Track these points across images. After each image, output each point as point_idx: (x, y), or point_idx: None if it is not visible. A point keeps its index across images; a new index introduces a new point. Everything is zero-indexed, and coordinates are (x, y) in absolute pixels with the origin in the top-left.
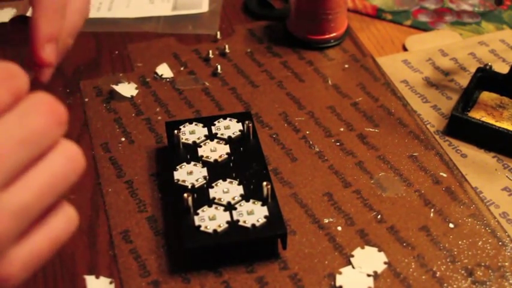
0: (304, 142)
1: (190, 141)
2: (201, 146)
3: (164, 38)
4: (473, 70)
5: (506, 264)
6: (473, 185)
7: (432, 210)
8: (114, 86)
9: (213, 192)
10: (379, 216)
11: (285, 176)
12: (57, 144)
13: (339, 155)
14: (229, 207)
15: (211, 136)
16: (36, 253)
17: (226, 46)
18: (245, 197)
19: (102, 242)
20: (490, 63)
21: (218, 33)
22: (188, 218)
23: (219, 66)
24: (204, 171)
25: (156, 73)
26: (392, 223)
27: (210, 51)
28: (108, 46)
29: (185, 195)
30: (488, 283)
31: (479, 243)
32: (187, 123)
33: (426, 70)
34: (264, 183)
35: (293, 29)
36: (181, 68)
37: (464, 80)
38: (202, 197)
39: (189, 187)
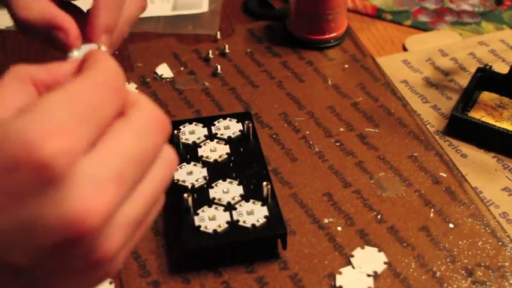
0: (304, 142)
1: (190, 141)
2: (201, 146)
3: (164, 38)
4: (473, 70)
5: (506, 264)
6: (473, 185)
7: (432, 210)
8: None
9: (213, 193)
10: (379, 216)
11: (285, 176)
12: (160, 153)
13: (339, 155)
14: (229, 207)
15: (211, 136)
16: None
17: (226, 46)
18: (245, 197)
19: None
20: (490, 63)
21: (218, 33)
22: (188, 218)
23: (219, 66)
24: (204, 172)
25: (156, 73)
26: (392, 223)
27: (210, 51)
28: None
29: (185, 195)
30: (488, 283)
31: (479, 243)
32: (187, 123)
33: (426, 70)
34: (264, 183)
35: (293, 29)
36: (181, 68)
37: (464, 80)
38: (202, 197)
39: (189, 187)
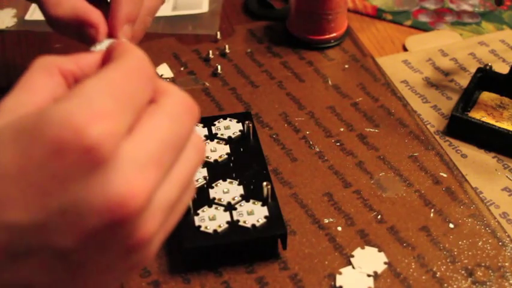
0: (304, 142)
1: None
2: None
3: (164, 38)
4: (473, 70)
5: (506, 264)
6: (473, 185)
7: (432, 210)
8: None
9: (213, 193)
10: (379, 217)
11: (285, 176)
12: (190, 138)
13: (339, 155)
14: (229, 207)
15: (211, 136)
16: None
17: (227, 46)
18: (245, 197)
19: None
20: (490, 64)
21: (218, 33)
22: (188, 218)
23: (219, 67)
24: (204, 172)
25: (156, 73)
26: (392, 223)
27: (210, 52)
28: None
29: None
30: (488, 283)
31: (479, 244)
32: None
33: (426, 70)
34: (264, 183)
35: (293, 29)
36: (182, 68)
37: (464, 80)
38: (202, 197)
39: None
